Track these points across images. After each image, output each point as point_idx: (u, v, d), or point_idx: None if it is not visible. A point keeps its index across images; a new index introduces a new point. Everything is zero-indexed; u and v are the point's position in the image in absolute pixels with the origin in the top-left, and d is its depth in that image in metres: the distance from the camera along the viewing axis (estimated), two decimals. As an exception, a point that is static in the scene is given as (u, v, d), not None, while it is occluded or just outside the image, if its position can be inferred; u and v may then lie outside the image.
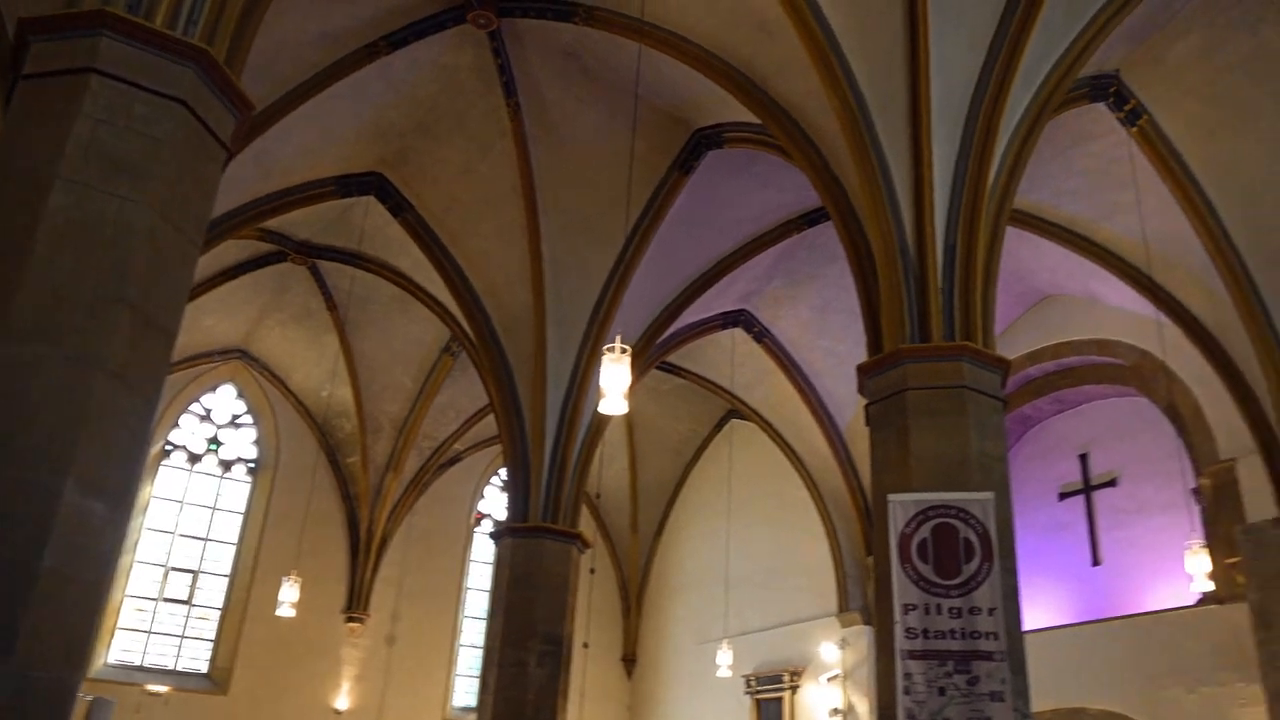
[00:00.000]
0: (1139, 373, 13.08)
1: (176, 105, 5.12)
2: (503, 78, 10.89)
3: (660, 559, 21.08)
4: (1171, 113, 10.20)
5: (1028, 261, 13.18)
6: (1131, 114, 10.16)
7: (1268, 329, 10.48)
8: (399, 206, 12.86)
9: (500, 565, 12.79)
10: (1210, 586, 11.14)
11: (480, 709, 12.42)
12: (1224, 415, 11.67)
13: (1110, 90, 10.05)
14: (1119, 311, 13.01)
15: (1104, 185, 11.20)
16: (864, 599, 15.83)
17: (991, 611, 6.88)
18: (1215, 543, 11.80)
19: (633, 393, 6.99)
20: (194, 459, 17.80)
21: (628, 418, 19.02)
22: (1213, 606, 11.67)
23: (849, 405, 15.41)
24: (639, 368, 13.73)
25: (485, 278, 12.95)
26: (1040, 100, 8.42)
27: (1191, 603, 11.96)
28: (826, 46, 8.04)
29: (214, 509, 17.74)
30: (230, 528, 17.71)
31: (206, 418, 18.02)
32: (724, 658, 15.94)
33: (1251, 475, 11.20)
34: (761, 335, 15.46)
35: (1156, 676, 12.00)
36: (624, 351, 6.73)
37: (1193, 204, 10.40)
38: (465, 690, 18.81)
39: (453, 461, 19.45)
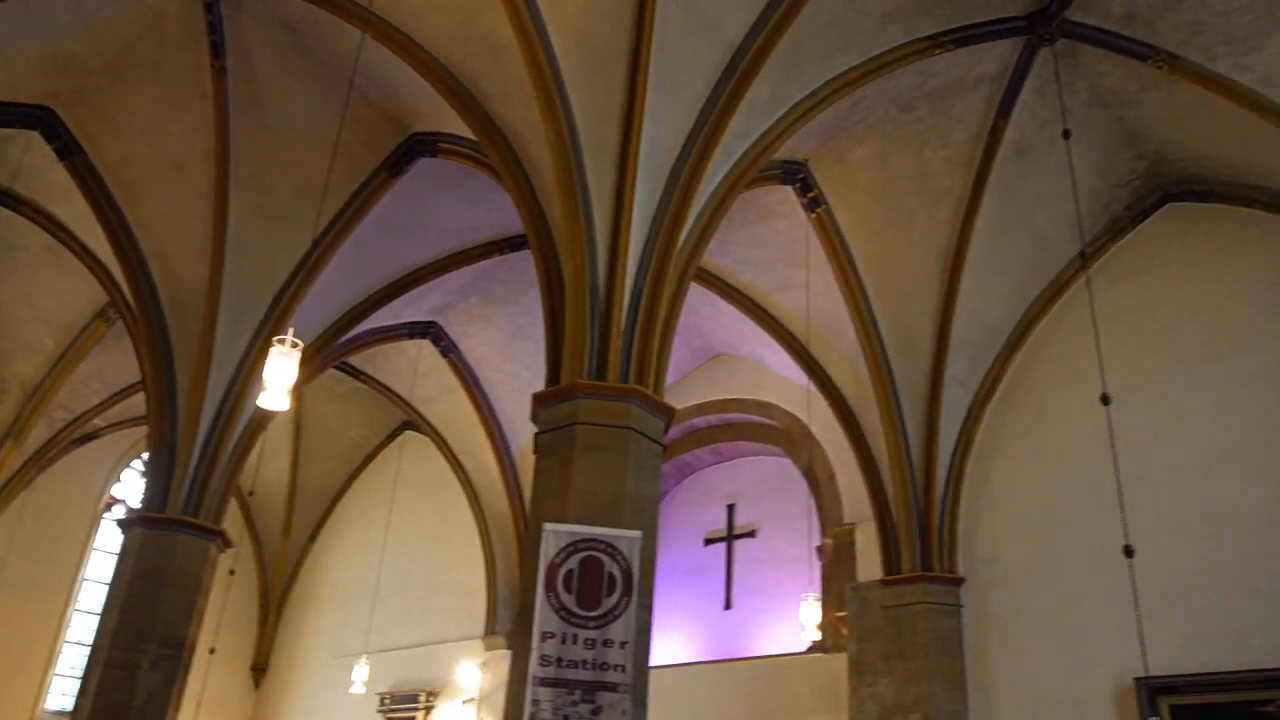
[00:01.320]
0: (789, 435, 14.30)
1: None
2: (211, 36, 10.14)
3: (310, 566, 20.16)
4: (846, 207, 11.34)
5: (707, 319, 14.08)
6: (813, 201, 11.18)
7: (896, 412, 11.85)
8: (68, 149, 11.52)
9: (125, 556, 11.64)
10: (818, 636, 12.32)
11: (76, 713, 11.20)
12: (852, 483, 12.98)
13: (799, 176, 11.02)
14: (779, 378, 14.18)
15: (782, 260, 12.21)
16: (511, 624, 15.99)
17: (623, 645, 7.18)
18: (829, 597, 13.07)
19: (307, 391, 6.72)
20: None
21: (295, 415, 18.11)
22: (819, 654, 12.89)
23: (524, 432, 15.60)
24: (316, 366, 13.16)
25: (158, 245, 11.87)
26: (737, 172, 9.07)
27: (802, 650, 13.14)
28: (550, 80, 8.19)
29: None
30: None
31: None
32: (360, 673, 15.46)
33: (866, 539, 12.51)
34: (449, 350, 15.34)
35: (765, 715, 13.02)
36: (294, 346, 6.44)
37: (851, 291, 11.58)
38: (62, 692, 16.91)
39: (89, 438, 17.58)
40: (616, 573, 7.33)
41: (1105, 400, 8.16)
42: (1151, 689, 9.59)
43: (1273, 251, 10.66)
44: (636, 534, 7.47)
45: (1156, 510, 9.97)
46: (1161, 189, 11.45)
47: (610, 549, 7.40)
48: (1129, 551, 7.69)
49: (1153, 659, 8.13)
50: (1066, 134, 9.20)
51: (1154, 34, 9.35)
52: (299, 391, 16.91)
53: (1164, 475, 10.28)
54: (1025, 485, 11.66)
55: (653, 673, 8.22)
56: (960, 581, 11.66)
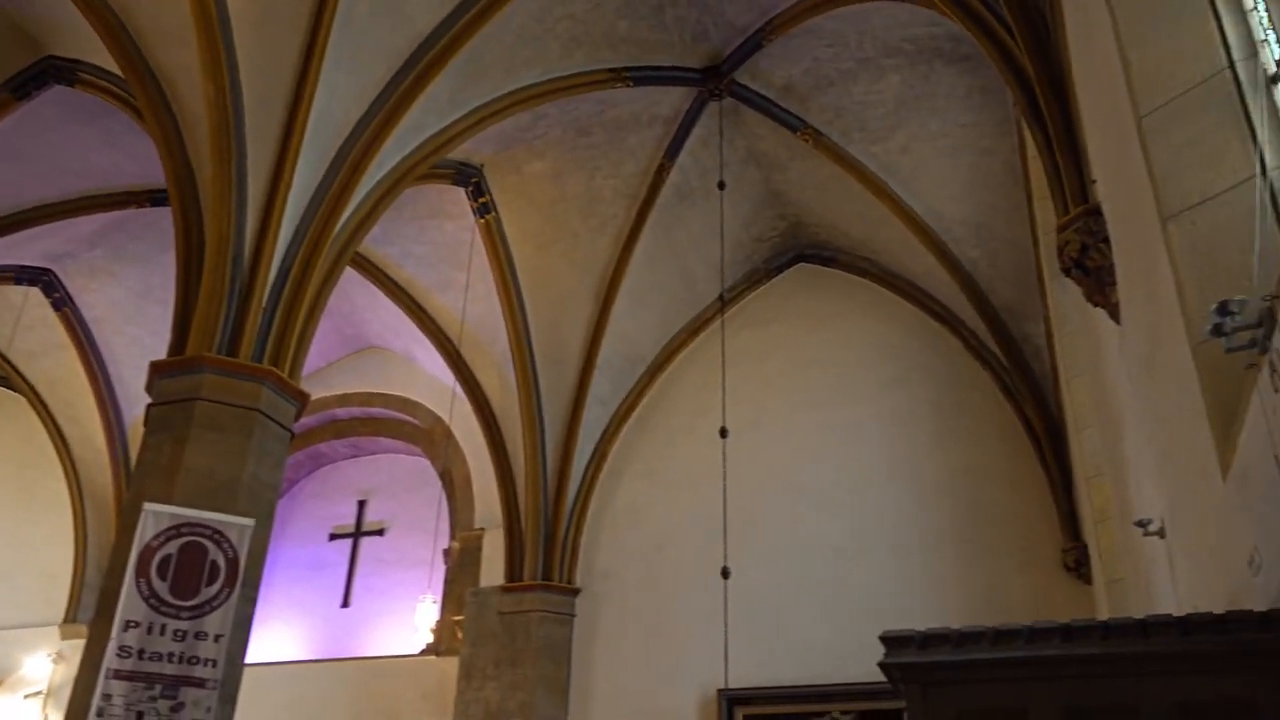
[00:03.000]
0: (430, 436, 14.17)
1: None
2: None
3: None
4: (515, 217, 11.50)
5: (362, 309, 13.65)
6: (483, 207, 11.24)
7: (537, 423, 12.14)
8: None
9: None
10: (431, 638, 12.30)
11: None
12: (487, 489, 13.09)
13: (473, 180, 11.03)
14: (428, 376, 14.02)
15: (445, 260, 12.13)
16: (91, 628, 14.45)
17: (218, 638, 6.75)
18: (449, 601, 13.09)
19: None
20: None
21: None
22: (431, 657, 12.82)
23: (141, 403, 14.21)
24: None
25: None
26: (408, 164, 8.93)
27: (415, 651, 13.02)
28: (219, 29, 7.60)
29: None
30: None
31: None
32: (-104, 659, 13.31)
33: (493, 546, 12.68)
34: (62, 304, 13.67)
35: (369, 715, 12.73)
36: None
37: (509, 300, 11.75)
38: None
39: None
40: (221, 561, 6.89)
41: (723, 434, 8.89)
42: (730, 699, 10.50)
43: (878, 317, 12.16)
44: (249, 522, 7.07)
45: (754, 538, 10.93)
46: (795, 249, 12.69)
47: (217, 535, 6.94)
48: (725, 573, 8.41)
49: (734, 672, 8.93)
50: (722, 185, 9.97)
51: (805, 109, 10.38)
52: None
53: (764, 506, 11.32)
54: (647, 505, 12.38)
55: (253, 670, 7.81)
56: (576, 592, 12.13)
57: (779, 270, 12.83)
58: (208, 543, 6.89)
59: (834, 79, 9.95)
